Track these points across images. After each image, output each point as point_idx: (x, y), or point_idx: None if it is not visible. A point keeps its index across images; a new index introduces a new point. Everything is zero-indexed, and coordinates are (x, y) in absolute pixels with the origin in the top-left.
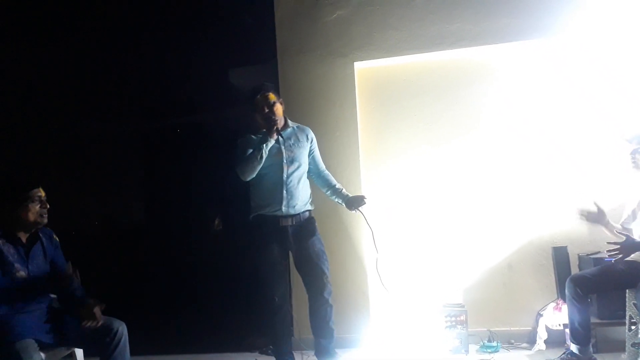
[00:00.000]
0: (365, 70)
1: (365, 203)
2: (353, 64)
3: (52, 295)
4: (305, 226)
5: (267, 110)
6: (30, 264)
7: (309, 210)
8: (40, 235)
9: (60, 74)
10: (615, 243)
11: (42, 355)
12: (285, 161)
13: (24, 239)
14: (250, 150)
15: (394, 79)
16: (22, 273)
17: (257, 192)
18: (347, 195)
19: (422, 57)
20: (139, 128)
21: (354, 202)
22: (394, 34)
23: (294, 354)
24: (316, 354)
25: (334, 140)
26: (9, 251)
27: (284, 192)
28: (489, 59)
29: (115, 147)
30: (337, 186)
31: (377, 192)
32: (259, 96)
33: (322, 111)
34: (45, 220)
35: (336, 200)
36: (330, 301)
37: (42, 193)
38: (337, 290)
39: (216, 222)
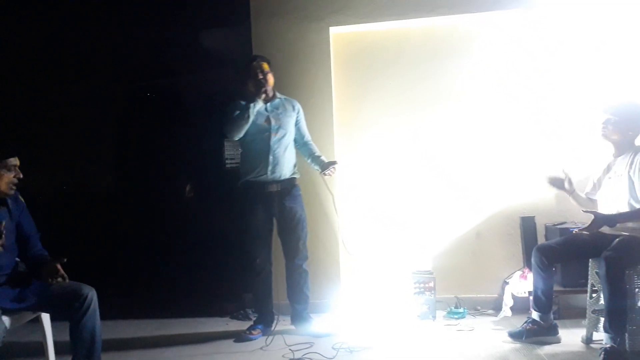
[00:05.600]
0: (341, 35)
1: (333, 167)
2: (328, 29)
3: (17, 259)
4: (289, 192)
5: (260, 77)
6: None
7: (294, 178)
8: (6, 198)
9: (28, 36)
10: (588, 212)
11: (7, 321)
12: (272, 129)
13: None
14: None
15: (371, 45)
16: None
17: (245, 158)
18: (323, 161)
19: (400, 24)
20: (109, 92)
21: (326, 166)
22: None
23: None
24: (292, 319)
25: (308, 107)
26: None
27: (270, 157)
28: (467, 28)
29: (85, 111)
30: (316, 154)
31: (350, 159)
32: (254, 62)
33: (296, 76)
34: (13, 192)
35: (314, 167)
36: (305, 267)
37: (18, 162)
38: (309, 256)
39: (187, 188)
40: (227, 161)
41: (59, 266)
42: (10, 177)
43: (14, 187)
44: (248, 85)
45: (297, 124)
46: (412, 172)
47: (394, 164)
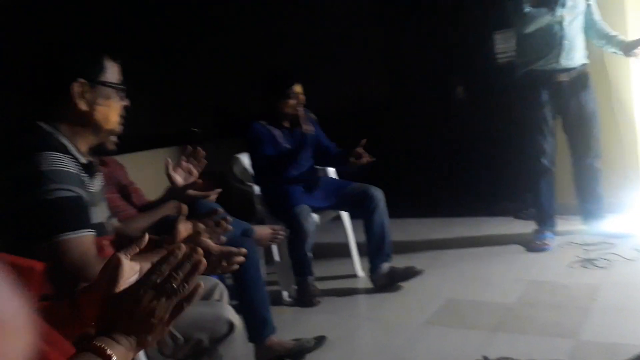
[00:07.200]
0: None
1: None
2: None
3: (318, 167)
4: (581, 82)
5: None
6: (295, 142)
7: (585, 65)
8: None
9: None
10: None
11: (316, 217)
12: (566, 9)
13: (287, 124)
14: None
15: None
16: None
17: (530, 44)
18: (624, 40)
19: None
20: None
21: (632, 46)
22: None
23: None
24: (583, 219)
25: None
26: (277, 134)
27: (565, 42)
28: None
29: (353, 21)
30: (611, 33)
31: None
32: None
33: None
34: (300, 112)
35: (612, 49)
36: (597, 165)
37: (300, 89)
38: (603, 151)
39: (458, 89)
40: (498, 55)
41: (361, 149)
42: (293, 102)
43: (300, 109)
44: None
45: (587, 1)
46: None
47: None
